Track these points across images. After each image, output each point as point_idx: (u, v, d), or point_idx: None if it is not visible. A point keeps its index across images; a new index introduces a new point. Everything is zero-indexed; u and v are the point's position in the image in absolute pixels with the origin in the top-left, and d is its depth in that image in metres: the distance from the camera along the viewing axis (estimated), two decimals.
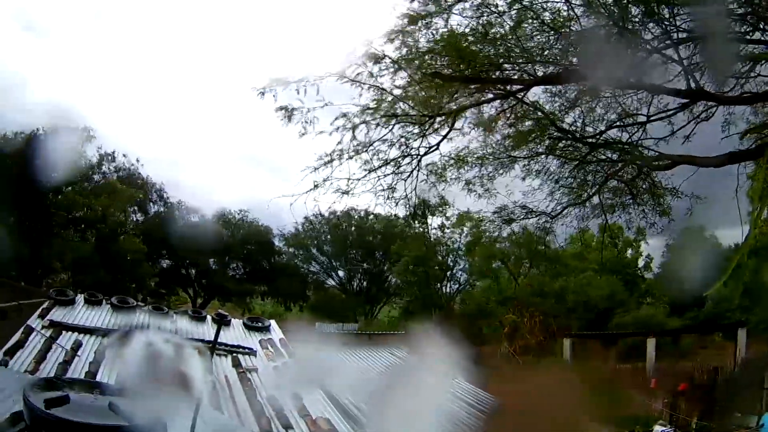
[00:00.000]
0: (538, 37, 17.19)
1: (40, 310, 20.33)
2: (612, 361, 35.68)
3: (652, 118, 18.32)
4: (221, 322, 20.81)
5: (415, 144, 19.52)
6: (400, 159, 19.63)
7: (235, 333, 22.80)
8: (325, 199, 19.71)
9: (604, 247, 34.73)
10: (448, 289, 56.39)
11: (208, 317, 23.70)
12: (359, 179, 19.57)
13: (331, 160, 19.19)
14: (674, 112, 17.90)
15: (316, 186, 19.14)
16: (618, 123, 19.07)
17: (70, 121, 47.05)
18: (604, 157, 20.27)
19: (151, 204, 55.27)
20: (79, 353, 16.90)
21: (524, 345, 41.22)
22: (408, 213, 22.21)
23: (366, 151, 19.26)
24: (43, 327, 18.62)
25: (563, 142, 20.10)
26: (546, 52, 17.31)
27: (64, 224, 44.01)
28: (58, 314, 20.69)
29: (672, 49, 15.95)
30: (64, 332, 18.75)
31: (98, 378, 15.50)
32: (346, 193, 19.57)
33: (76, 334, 18.57)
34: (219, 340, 16.35)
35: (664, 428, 26.34)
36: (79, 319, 20.94)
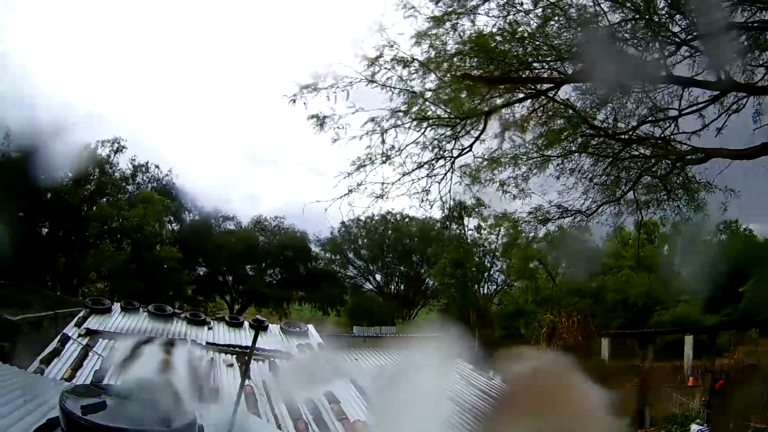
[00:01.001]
0: (566, 34, 17.12)
1: (76, 318, 20.52)
2: (650, 359, 35.39)
3: (683, 112, 18.17)
4: (259, 327, 20.82)
5: (448, 146, 19.49)
6: (433, 162, 19.59)
7: (273, 338, 22.85)
8: (360, 204, 19.73)
9: (640, 245, 34.55)
10: (485, 291, 56.23)
11: (246, 323, 23.80)
12: (393, 183, 19.58)
13: (365, 165, 19.20)
14: (705, 105, 17.76)
15: (350, 191, 19.16)
16: (650, 118, 18.90)
17: (102, 133, 47.49)
18: (637, 153, 20.13)
19: (187, 213, 55.59)
20: (115, 360, 17.05)
21: (563, 345, 40.98)
22: (443, 215, 22.24)
23: (399, 154, 19.26)
24: (79, 335, 18.80)
25: (596, 139, 19.99)
26: (574, 49, 17.21)
27: (100, 235, 44.32)
28: (94, 322, 20.89)
29: (700, 41, 15.86)
30: (100, 340, 18.92)
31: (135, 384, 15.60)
32: (381, 197, 19.57)
33: (112, 341, 18.75)
34: (257, 346, 16.41)
35: (700, 427, 26.10)
36: (116, 326, 21.12)
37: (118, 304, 23.84)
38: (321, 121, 18.61)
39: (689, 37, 15.94)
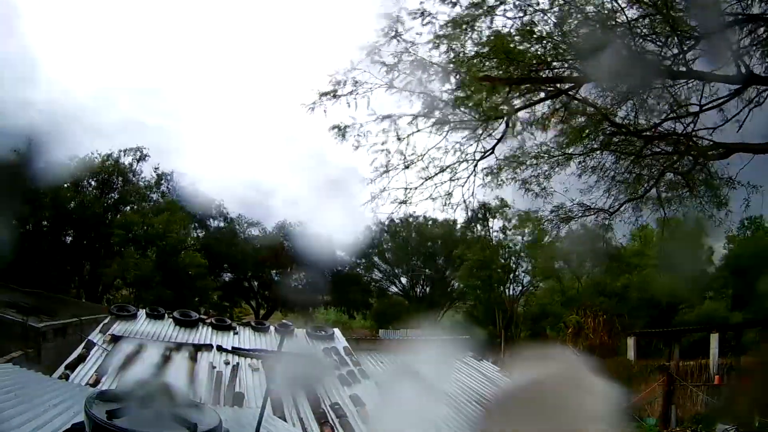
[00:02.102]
0: (584, 31, 17.08)
1: (101, 325, 20.64)
2: (675, 358, 35.22)
3: (704, 108, 18.07)
4: (285, 332, 20.93)
5: (470, 149, 19.50)
6: (456, 165, 19.61)
7: (299, 342, 22.91)
8: (383, 209, 19.79)
9: (663, 242, 34.34)
10: (511, 291, 56.08)
11: (271, 328, 23.86)
12: (416, 188, 19.61)
13: (387, 171, 19.24)
14: (726, 100, 17.61)
15: (373, 197, 19.23)
16: (671, 114, 18.80)
17: (125, 143, 47.88)
18: (659, 150, 20.04)
19: (211, 219, 55.83)
20: (140, 365, 17.12)
21: (589, 345, 40.84)
22: (467, 217, 22.27)
23: (421, 159, 19.29)
24: (104, 341, 18.92)
25: (617, 136, 19.92)
26: (593, 47, 17.16)
27: (124, 242, 44.57)
28: (119, 329, 21.00)
29: (719, 34, 15.78)
30: (125, 346, 19.02)
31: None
32: (404, 202, 19.62)
33: (137, 347, 18.82)
34: (283, 350, 16.42)
35: (726, 426, 25.92)
36: (141, 333, 21.22)
37: (144, 310, 23.97)
38: (342, 131, 18.69)
39: (709, 31, 15.87)
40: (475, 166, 19.63)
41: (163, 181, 51.05)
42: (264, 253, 54.97)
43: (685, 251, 38.68)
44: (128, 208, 48.03)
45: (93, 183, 46.11)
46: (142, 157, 47.86)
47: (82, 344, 19.01)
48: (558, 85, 18.53)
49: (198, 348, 20.62)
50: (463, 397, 21.90)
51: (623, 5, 16.30)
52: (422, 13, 17.30)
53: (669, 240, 30.79)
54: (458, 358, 27.17)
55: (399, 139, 18.97)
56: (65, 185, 42.50)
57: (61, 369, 16.67)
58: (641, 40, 16.70)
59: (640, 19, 16.52)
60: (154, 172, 50.04)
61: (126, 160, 47.41)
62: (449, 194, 19.89)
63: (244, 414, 13.92)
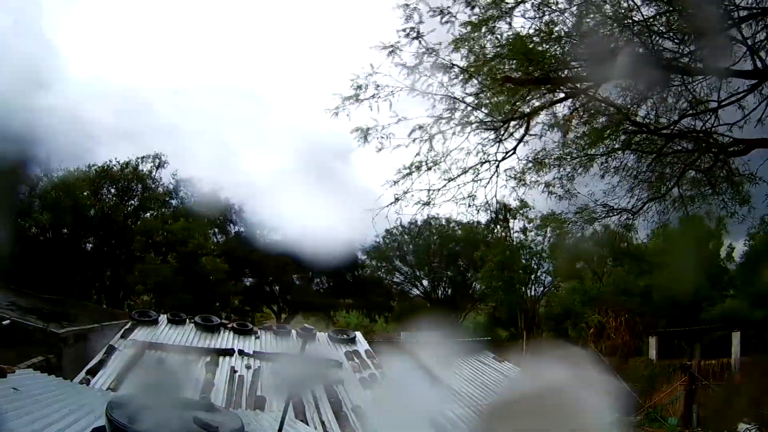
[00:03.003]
0: (602, 30, 17.05)
1: (122, 330, 20.72)
2: (697, 357, 34.98)
3: (723, 104, 18.00)
4: (307, 336, 20.94)
5: (492, 150, 19.52)
6: (478, 166, 19.63)
7: (321, 346, 22.94)
8: (407, 211, 19.83)
9: (685, 241, 34.15)
10: (533, 292, 55.89)
11: (293, 332, 23.89)
12: (439, 189, 19.64)
13: (410, 173, 19.29)
14: (744, 95, 17.59)
15: (397, 199, 19.27)
16: (690, 111, 18.75)
17: (143, 148, 48.03)
18: (679, 147, 20.00)
19: (232, 225, 55.94)
20: (162, 370, 17.15)
21: (611, 345, 40.66)
22: (489, 218, 22.30)
23: (444, 161, 19.31)
24: (125, 346, 18.99)
25: (638, 135, 19.89)
26: (612, 45, 17.13)
27: (145, 248, 44.73)
28: (140, 334, 21.06)
29: (735, 29, 15.73)
30: (146, 350, 19.08)
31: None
32: (427, 204, 19.67)
33: (159, 352, 18.89)
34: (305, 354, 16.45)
35: (748, 426, 25.73)
36: (162, 338, 21.28)
37: (165, 315, 24.04)
38: (365, 133, 18.75)
39: (723, 26, 15.81)
40: (497, 167, 19.66)
41: (181, 187, 51.20)
42: (285, 257, 55.02)
43: (705, 249, 38.45)
44: (148, 214, 48.19)
45: (113, 190, 46.32)
46: (161, 164, 48.01)
47: (104, 349, 19.09)
48: (578, 85, 18.51)
49: (219, 352, 20.68)
50: (484, 399, 21.91)
51: (639, 3, 16.28)
52: (441, 12, 17.34)
53: (690, 238, 30.70)
54: (480, 359, 27.13)
55: (421, 140, 19.03)
56: (85, 193, 42.68)
57: (82, 374, 16.76)
58: (658, 38, 16.66)
59: (657, 17, 16.49)
60: (173, 178, 50.17)
61: (145, 167, 47.61)
62: (472, 196, 19.92)
63: (265, 417, 13.95)
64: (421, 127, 18.90)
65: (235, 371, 19.40)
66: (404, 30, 17.78)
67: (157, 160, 47.60)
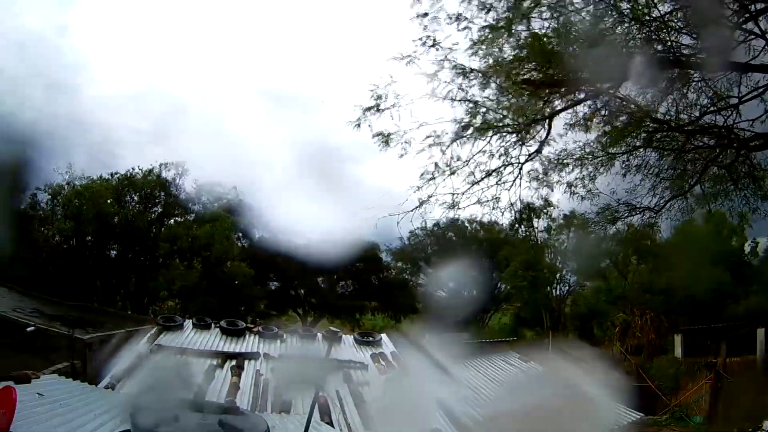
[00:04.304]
0: (619, 29, 17.01)
1: (147, 335, 20.78)
2: (722, 355, 34.74)
3: (743, 98, 17.89)
4: (332, 338, 20.93)
5: (514, 152, 19.52)
6: (501, 169, 19.63)
7: (347, 348, 22.90)
8: (431, 216, 19.91)
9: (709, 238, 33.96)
10: (558, 292, 55.77)
11: (319, 335, 23.88)
12: (463, 193, 19.66)
13: (434, 177, 19.30)
14: (764, 90, 17.47)
15: (421, 203, 19.30)
16: (711, 107, 18.64)
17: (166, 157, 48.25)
18: (701, 143, 19.90)
19: (256, 229, 56.09)
20: (187, 375, 17.18)
21: (636, 344, 40.51)
22: (513, 219, 22.22)
23: (467, 164, 19.32)
24: (151, 352, 19.04)
25: (659, 133, 19.80)
26: (630, 44, 17.09)
27: (170, 255, 44.97)
28: (166, 339, 21.11)
29: (752, 23, 15.66)
30: (172, 355, 19.10)
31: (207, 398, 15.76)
32: (452, 207, 19.70)
33: (184, 356, 18.92)
34: (331, 357, 16.45)
35: None
36: (188, 342, 21.31)
37: (190, 320, 24.08)
38: (386, 138, 18.79)
39: (741, 20, 15.74)
40: (520, 169, 19.64)
41: (203, 193, 51.40)
42: (310, 261, 55.11)
43: (728, 245, 38.19)
44: (172, 221, 48.44)
45: (136, 197, 46.57)
46: (183, 171, 48.22)
47: (129, 354, 19.16)
48: (598, 85, 18.46)
49: (245, 356, 20.70)
50: (507, 400, 21.83)
51: (656, 1, 16.25)
52: (458, 17, 17.37)
53: (713, 234, 30.59)
54: (505, 359, 27.08)
55: (443, 145, 19.08)
56: (108, 201, 42.94)
57: (107, 379, 16.79)
58: (676, 34, 16.61)
59: (673, 13, 16.43)
60: (195, 183, 50.36)
61: (168, 174, 47.83)
62: (497, 198, 19.91)
63: (291, 420, 13.94)
64: (441, 133, 18.99)
65: (261, 375, 19.41)
66: (421, 39, 17.87)
67: (180, 168, 47.80)
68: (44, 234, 41.73)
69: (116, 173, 45.61)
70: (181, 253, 45.96)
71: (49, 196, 42.43)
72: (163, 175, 47.20)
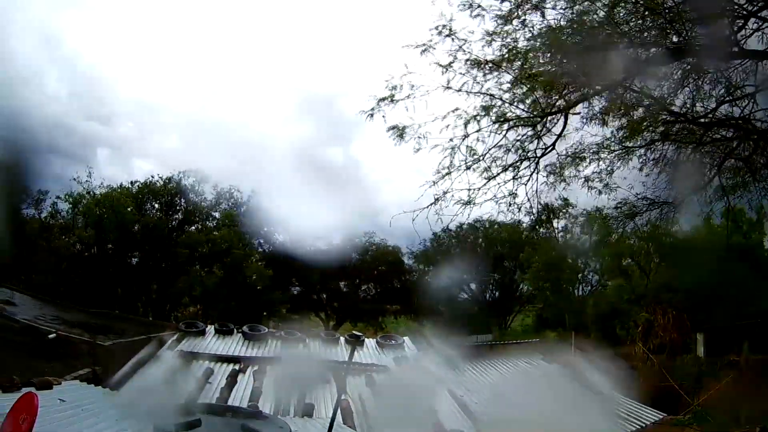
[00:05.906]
0: (635, 19, 16.93)
1: (169, 341, 20.83)
2: (745, 353, 34.53)
3: (760, 88, 17.75)
4: (355, 342, 20.93)
5: (531, 146, 19.42)
6: (518, 163, 19.53)
7: (369, 352, 22.88)
8: (447, 212, 19.73)
9: (729, 233, 33.72)
10: (580, 292, 55.62)
11: (341, 338, 23.87)
12: (479, 188, 19.54)
13: (449, 173, 19.20)
14: None
15: (437, 200, 19.18)
16: (728, 98, 18.51)
17: (184, 164, 48.57)
18: (718, 136, 19.76)
19: (276, 234, 56.23)
20: (210, 380, 17.22)
21: (659, 343, 40.30)
22: (531, 218, 22.11)
23: (483, 159, 19.22)
24: (173, 357, 19.08)
25: (676, 126, 19.68)
26: (645, 34, 17.02)
27: (190, 260, 45.19)
28: (188, 344, 21.15)
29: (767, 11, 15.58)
30: (194, 360, 19.16)
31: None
32: (468, 203, 19.54)
33: (207, 362, 18.96)
34: (353, 360, 16.46)
35: None
36: (210, 348, 21.34)
37: (212, 326, 24.12)
38: (400, 131, 18.70)
39: (755, 8, 15.64)
40: (537, 163, 19.54)
41: (222, 199, 51.62)
42: (331, 265, 55.19)
43: (747, 240, 37.92)
44: (193, 228, 48.69)
45: (156, 205, 46.89)
46: (203, 179, 48.57)
47: (151, 360, 19.20)
48: (613, 77, 18.37)
49: (267, 361, 20.71)
50: (534, 401, 21.79)
51: None
52: (470, 5, 17.33)
53: (732, 229, 30.39)
54: (528, 361, 27.01)
55: (459, 138, 18.98)
56: (129, 209, 43.24)
57: (129, 385, 16.83)
58: (690, 24, 16.50)
59: (687, 2, 16.33)
60: (214, 190, 50.65)
61: (188, 181, 48.14)
62: (513, 194, 19.80)
63: (313, 424, 13.96)
64: (456, 126, 18.87)
65: (282, 379, 19.42)
66: (437, 28, 17.83)
67: (200, 175, 48.15)
68: (65, 242, 42.00)
69: (136, 181, 46.07)
70: (201, 259, 46.18)
71: (70, 205, 42.80)
72: (183, 182, 47.56)
